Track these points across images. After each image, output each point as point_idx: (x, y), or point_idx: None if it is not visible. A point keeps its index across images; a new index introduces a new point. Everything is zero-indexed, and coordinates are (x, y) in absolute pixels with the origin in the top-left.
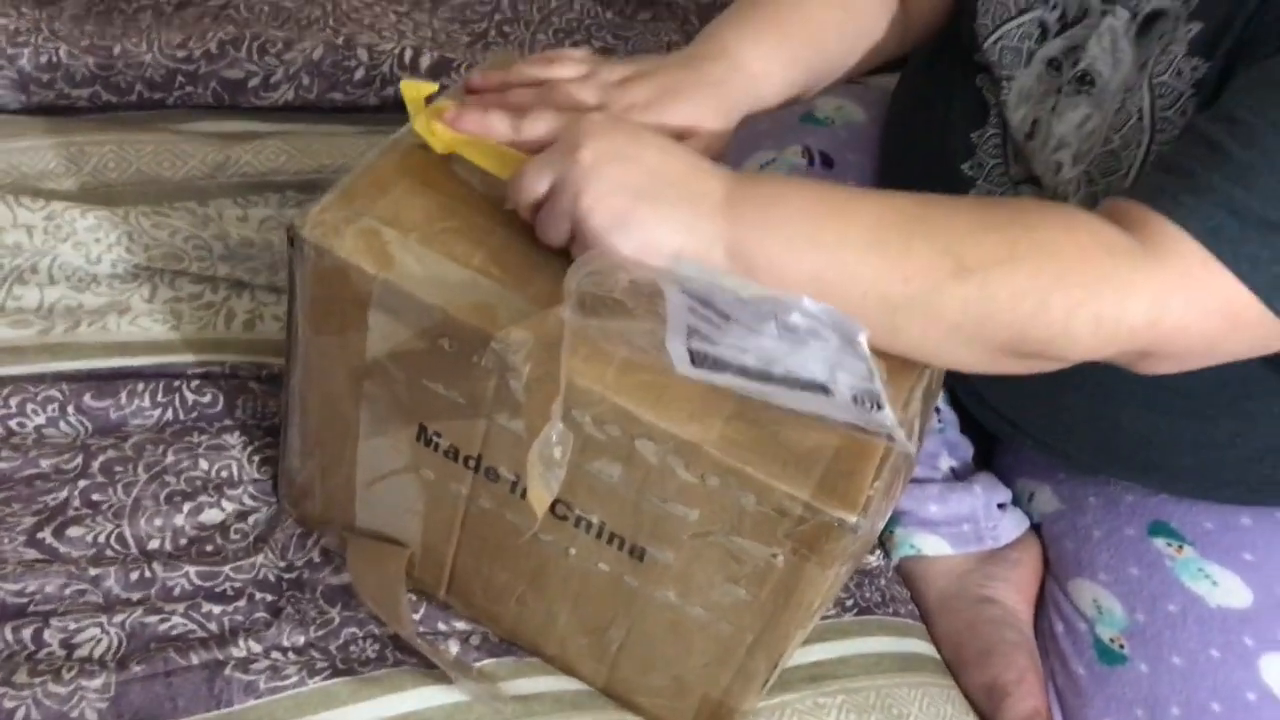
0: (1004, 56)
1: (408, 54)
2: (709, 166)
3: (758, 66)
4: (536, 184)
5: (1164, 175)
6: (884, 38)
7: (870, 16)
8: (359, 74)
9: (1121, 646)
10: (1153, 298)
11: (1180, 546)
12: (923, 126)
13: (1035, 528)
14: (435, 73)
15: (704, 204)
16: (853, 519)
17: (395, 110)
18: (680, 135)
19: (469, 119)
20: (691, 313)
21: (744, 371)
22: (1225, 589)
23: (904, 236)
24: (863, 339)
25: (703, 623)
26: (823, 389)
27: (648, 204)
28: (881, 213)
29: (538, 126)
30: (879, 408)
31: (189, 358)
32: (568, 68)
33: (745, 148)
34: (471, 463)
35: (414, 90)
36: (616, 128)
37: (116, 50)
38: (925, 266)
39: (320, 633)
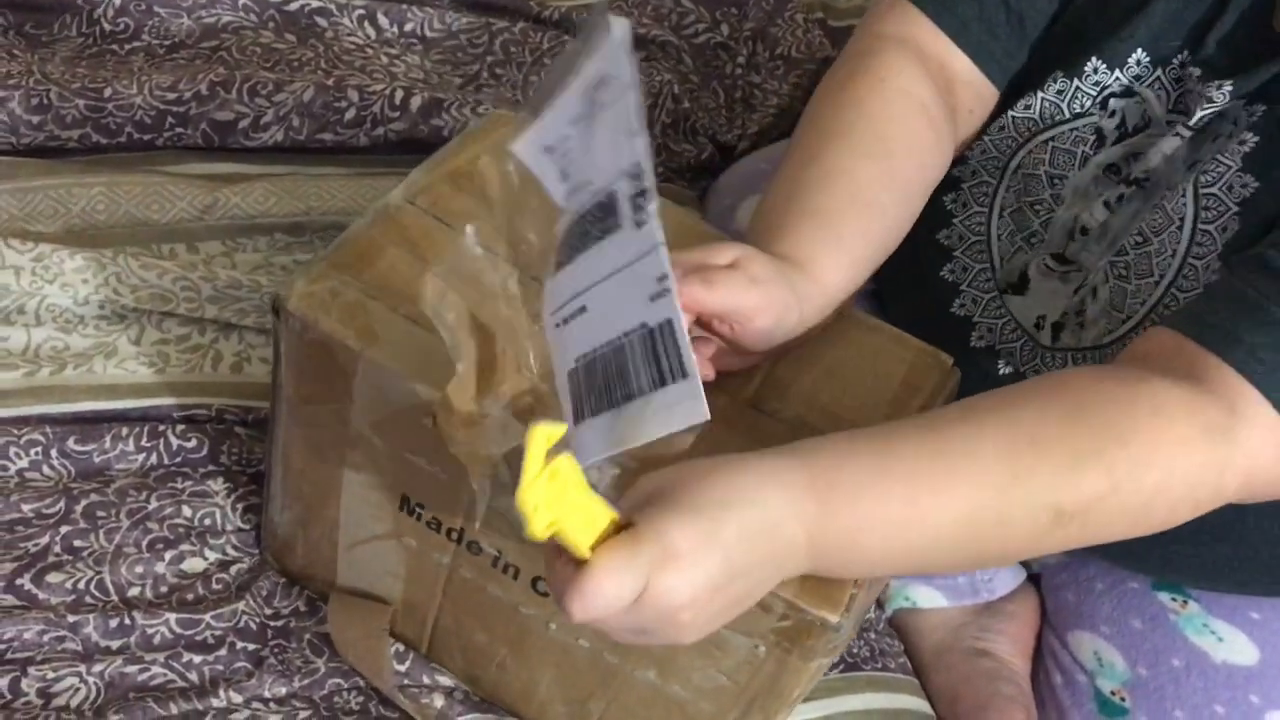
0: (1055, 157)
1: (398, 95)
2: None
3: (830, 279)
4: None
5: (1233, 318)
6: (936, 178)
7: (925, 178)
8: (349, 115)
9: (1123, 699)
10: (1246, 475)
11: (1185, 602)
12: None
13: (1034, 578)
14: (427, 113)
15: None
16: (835, 619)
17: (385, 151)
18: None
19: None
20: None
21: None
22: (1231, 645)
23: (999, 508)
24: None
25: (683, 701)
26: None
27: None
28: (964, 489)
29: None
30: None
31: (175, 400)
32: None
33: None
34: (454, 535)
35: (543, 437)
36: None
37: (107, 92)
38: (1026, 538)
39: (305, 682)
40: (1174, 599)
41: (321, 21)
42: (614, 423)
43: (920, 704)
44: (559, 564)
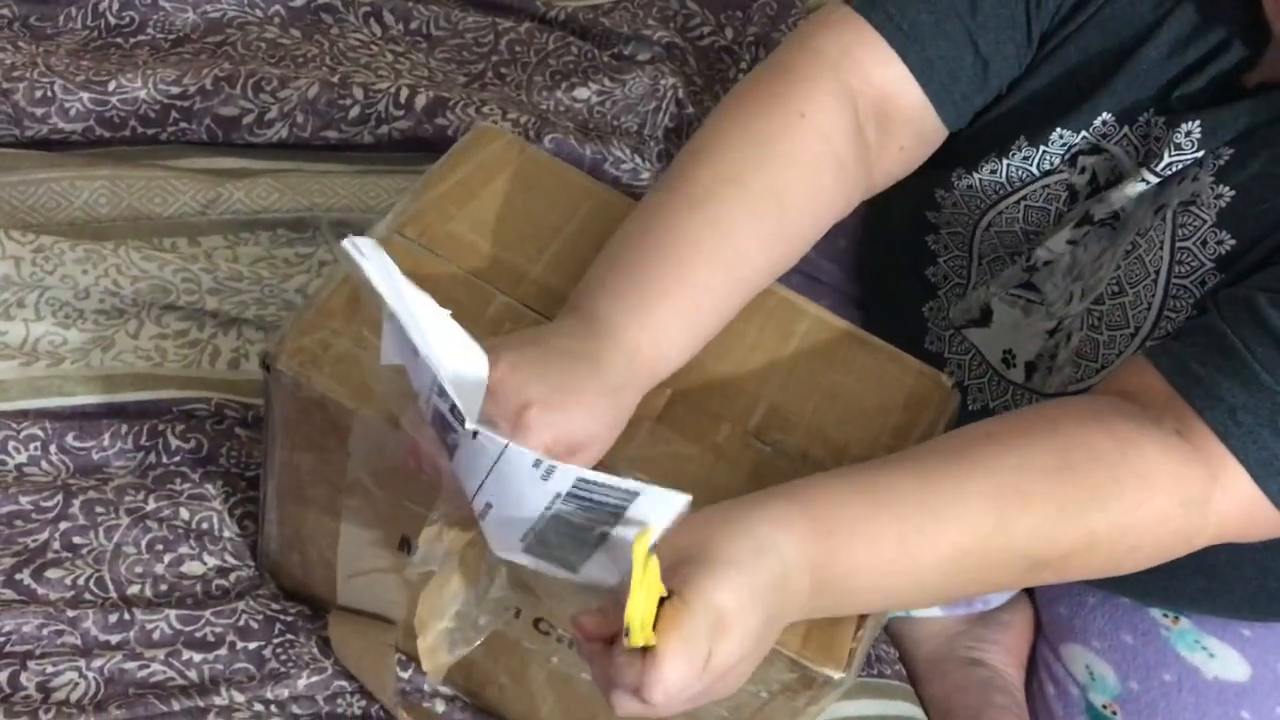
0: (1029, 214)
1: (403, 93)
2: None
3: (658, 353)
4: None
5: (1218, 372)
6: (827, 226)
7: (814, 232)
8: (354, 112)
9: (1114, 713)
10: (1214, 537)
11: (1176, 618)
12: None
13: (1029, 590)
14: (431, 112)
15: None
16: (838, 675)
17: (389, 149)
18: (572, 445)
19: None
20: None
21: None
22: (1222, 661)
23: (981, 554)
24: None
25: None
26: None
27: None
28: (951, 535)
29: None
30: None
31: (171, 394)
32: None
33: None
34: None
35: (644, 549)
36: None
37: (111, 86)
38: (1004, 580)
39: (313, 679)
40: (1165, 615)
41: (327, 18)
42: (610, 554)
43: (915, 711)
44: (622, 657)
